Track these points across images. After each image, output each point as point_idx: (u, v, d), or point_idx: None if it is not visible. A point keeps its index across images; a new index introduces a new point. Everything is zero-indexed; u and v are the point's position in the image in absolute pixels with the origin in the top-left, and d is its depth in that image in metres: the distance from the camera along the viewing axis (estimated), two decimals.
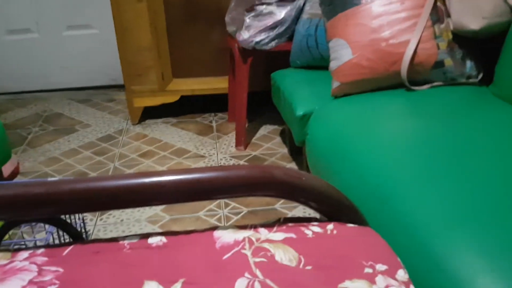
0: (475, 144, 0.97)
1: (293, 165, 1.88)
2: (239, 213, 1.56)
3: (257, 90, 2.26)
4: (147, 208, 1.55)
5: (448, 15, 1.26)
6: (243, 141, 2.01)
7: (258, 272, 0.57)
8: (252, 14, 1.75)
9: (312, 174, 1.33)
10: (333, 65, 1.37)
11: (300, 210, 1.58)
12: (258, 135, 2.14)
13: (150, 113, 2.32)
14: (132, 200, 0.64)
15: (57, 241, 1.05)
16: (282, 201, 1.60)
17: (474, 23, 1.19)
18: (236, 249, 0.62)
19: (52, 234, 1.04)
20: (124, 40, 2.07)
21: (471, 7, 1.21)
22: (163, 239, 0.64)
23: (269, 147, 2.03)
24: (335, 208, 0.72)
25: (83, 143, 2.08)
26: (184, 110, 2.36)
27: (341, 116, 1.25)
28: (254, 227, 0.67)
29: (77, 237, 0.78)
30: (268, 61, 2.23)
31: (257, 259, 0.60)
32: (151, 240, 0.63)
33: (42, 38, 2.57)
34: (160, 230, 1.45)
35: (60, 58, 2.61)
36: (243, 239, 0.64)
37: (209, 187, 0.65)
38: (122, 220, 1.51)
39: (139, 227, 1.48)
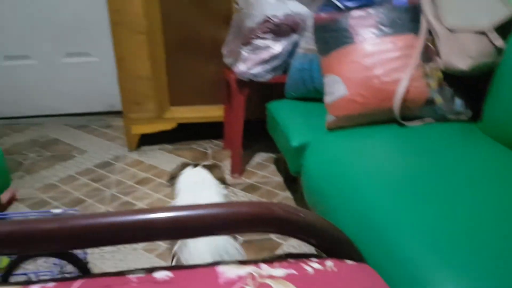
0: (461, 178, 1.01)
1: (287, 194, 1.91)
2: None
3: (252, 118, 2.31)
4: None
5: (438, 55, 1.33)
6: (238, 168, 2.05)
7: None
8: (249, 47, 1.81)
9: (309, 205, 1.37)
10: (328, 99, 1.43)
11: (295, 240, 1.60)
12: (253, 162, 2.17)
13: (146, 140, 2.35)
14: (138, 236, 0.67)
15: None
16: None
17: (462, 63, 1.25)
18: (240, 284, 0.64)
19: (58, 267, 1.05)
20: (123, 69, 2.12)
21: (459, 48, 1.27)
22: (169, 273, 0.66)
23: (264, 175, 2.06)
24: (333, 244, 0.75)
25: (80, 170, 2.10)
26: (180, 137, 2.40)
27: (336, 149, 1.30)
28: (255, 262, 0.70)
29: (83, 269, 0.80)
30: (263, 91, 2.29)
31: None
32: (157, 275, 0.66)
33: (40, 65, 2.61)
34: (157, 259, 1.47)
35: (58, 84, 2.65)
36: (246, 275, 0.66)
37: (210, 224, 0.68)
38: (118, 249, 1.52)
39: (136, 255, 1.49)
